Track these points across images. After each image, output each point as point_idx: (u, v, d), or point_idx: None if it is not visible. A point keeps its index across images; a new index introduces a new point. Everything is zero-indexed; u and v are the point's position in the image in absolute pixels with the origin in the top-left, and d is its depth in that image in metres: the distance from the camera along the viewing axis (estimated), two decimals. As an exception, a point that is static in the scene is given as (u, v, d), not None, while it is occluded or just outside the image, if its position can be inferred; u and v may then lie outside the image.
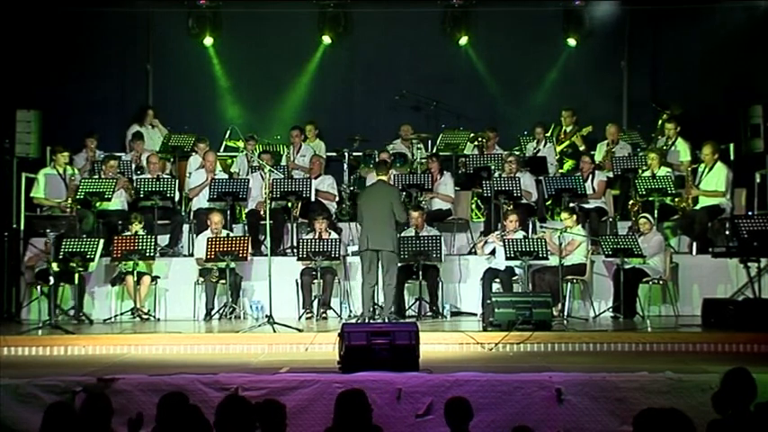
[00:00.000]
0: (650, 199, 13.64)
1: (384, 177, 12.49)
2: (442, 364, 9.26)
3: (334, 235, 13.22)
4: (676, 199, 13.83)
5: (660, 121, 15.33)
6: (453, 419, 6.63)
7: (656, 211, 13.44)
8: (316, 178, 14.44)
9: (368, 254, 11.89)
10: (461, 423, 6.60)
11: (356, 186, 15.14)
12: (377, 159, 14.47)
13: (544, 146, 15.40)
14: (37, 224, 12.31)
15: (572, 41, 16.93)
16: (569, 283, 12.71)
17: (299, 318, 12.67)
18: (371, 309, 11.95)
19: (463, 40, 17.02)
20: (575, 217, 12.96)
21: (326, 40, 16.97)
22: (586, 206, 14.00)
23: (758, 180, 14.43)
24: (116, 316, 12.83)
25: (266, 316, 11.62)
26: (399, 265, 12.53)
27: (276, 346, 10.76)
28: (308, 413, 8.06)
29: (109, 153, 14.48)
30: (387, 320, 11.53)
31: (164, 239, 13.96)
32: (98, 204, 13.47)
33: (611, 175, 14.51)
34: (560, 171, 15.18)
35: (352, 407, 6.57)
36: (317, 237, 12.93)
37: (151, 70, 17.06)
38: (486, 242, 13.16)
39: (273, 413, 6.41)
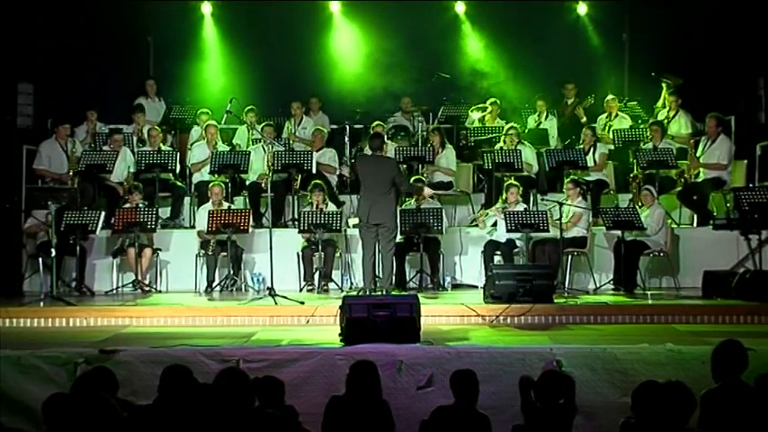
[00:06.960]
0: (651, 171, 13.63)
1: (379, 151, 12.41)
2: (442, 336, 9.28)
3: (333, 207, 13.19)
4: (677, 170, 13.82)
5: (662, 94, 15.28)
6: (460, 391, 6.62)
7: (656, 184, 13.42)
8: (317, 151, 14.42)
9: (366, 227, 11.86)
10: (469, 395, 6.59)
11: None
12: (372, 133, 14.34)
13: (546, 118, 15.38)
14: (38, 197, 12.29)
15: (573, 14, 16.86)
16: (570, 256, 12.71)
17: (301, 290, 12.69)
18: (372, 282, 11.94)
19: (464, 12, 16.93)
20: (577, 189, 12.94)
21: (329, 11, 16.90)
22: (587, 179, 13.97)
23: (759, 152, 14.40)
24: (117, 288, 12.86)
25: (267, 288, 11.66)
26: (400, 237, 12.53)
27: (277, 318, 10.77)
28: (310, 385, 8.08)
29: (114, 126, 14.48)
30: (385, 292, 11.53)
31: (165, 212, 13.96)
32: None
33: (612, 147, 14.49)
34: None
35: (364, 377, 6.61)
36: (315, 209, 12.91)
37: (152, 42, 17.02)
38: (487, 215, 13.16)
39: (272, 388, 6.45)
